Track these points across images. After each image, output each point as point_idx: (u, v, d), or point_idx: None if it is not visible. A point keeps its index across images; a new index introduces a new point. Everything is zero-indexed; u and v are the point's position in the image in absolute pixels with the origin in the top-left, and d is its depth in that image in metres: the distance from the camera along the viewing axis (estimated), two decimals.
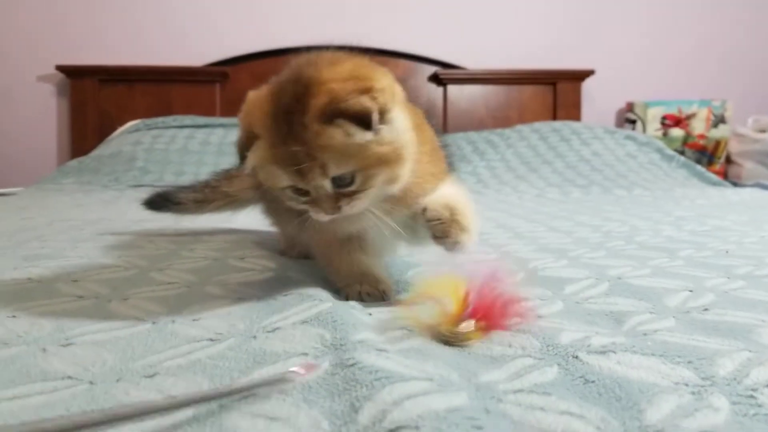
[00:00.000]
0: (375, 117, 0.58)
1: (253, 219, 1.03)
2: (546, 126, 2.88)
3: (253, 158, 0.63)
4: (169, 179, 2.26)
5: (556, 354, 0.48)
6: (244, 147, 0.63)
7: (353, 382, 0.41)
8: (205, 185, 1.12)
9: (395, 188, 0.64)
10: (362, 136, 0.58)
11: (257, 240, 1.08)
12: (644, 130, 3.09)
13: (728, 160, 3.14)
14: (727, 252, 0.97)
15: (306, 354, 0.47)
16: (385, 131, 0.60)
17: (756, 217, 1.44)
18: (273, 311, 0.60)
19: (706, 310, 0.62)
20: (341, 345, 0.49)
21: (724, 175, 3.07)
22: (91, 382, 0.42)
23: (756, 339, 0.52)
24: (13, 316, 0.57)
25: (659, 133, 3.09)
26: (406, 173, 0.64)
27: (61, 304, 0.62)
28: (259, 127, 0.61)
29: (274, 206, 0.84)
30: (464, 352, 0.49)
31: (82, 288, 0.69)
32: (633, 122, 3.15)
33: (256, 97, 0.64)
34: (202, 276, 0.77)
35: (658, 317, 0.60)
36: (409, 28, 3.08)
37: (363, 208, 0.64)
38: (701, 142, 3.11)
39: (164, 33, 2.95)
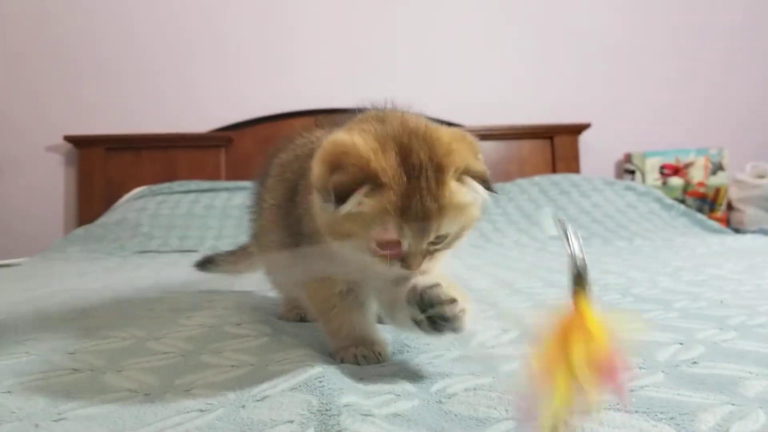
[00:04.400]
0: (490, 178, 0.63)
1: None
2: (545, 179, 2.91)
3: (367, 205, 0.59)
4: (174, 244, 2.29)
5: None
6: (347, 189, 0.58)
7: None
8: (240, 248, 1.26)
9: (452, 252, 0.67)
10: (483, 195, 0.63)
11: (256, 304, 1.09)
12: (643, 180, 3.12)
13: (730, 207, 3.16)
14: (722, 302, 0.97)
15: (292, 422, 0.48)
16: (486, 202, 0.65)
17: (754, 264, 1.45)
18: (263, 379, 0.60)
19: (695, 363, 0.62)
20: (327, 410, 0.49)
21: (727, 222, 3.08)
22: None
23: (741, 392, 0.53)
24: (9, 392, 0.58)
25: (659, 183, 3.12)
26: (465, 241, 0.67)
27: (57, 377, 0.63)
28: (387, 177, 0.59)
29: (278, 268, 0.87)
30: (451, 414, 0.50)
31: (78, 360, 0.69)
32: (632, 172, 3.19)
33: (366, 143, 0.61)
34: (198, 344, 0.77)
35: (648, 372, 0.60)
36: (410, 87, 3.15)
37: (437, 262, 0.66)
38: (701, 190, 3.13)
39: (169, 101, 3.04)
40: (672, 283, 1.20)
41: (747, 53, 3.43)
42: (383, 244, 0.61)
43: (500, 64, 3.25)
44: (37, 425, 0.49)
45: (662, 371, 0.60)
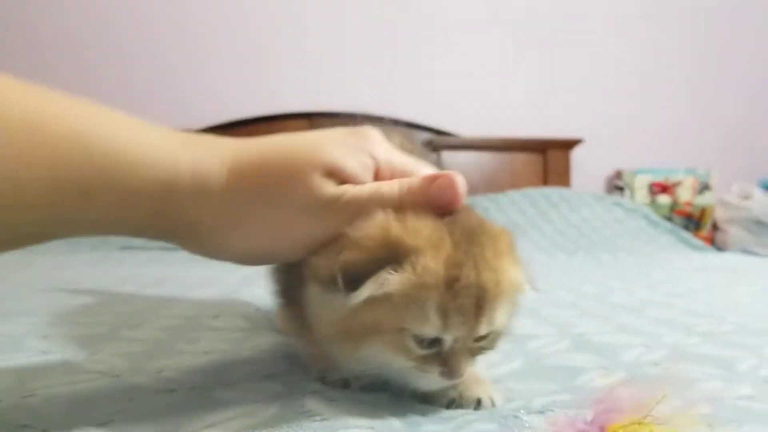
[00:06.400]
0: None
1: None
2: (536, 192, 2.93)
3: (396, 283, 0.43)
4: (157, 243, 2.28)
5: (500, 415, 0.48)
6: (361, 269, 0.43)
7: (297, 427, 0.43)
8: None
9: None
10: (529, 289, 0.50)
11: (237, 299, 1.10)
12: (632, 196, 3.15)
13: (715, 227, 3.19)
14: (694, 312, 0.99)
15: (257, 402, 0.49)
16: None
17: (731, 279, 1.47)
18: (235, 366, 0.61)
19: (656, 364, 0.64)
20: (292, 393, 0.50)
21: (712, 242, 3.11)
22: (44, 430, 0.44)
23: (694, 391, 0.54)
24: None
25: (647, 200, 3.15)
26: None
27: (29, 358, 0.64)
28: (420, 240, 0.44)
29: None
30: (415, 408, 0.50)
31: (51, 343, 0.70)
32: (621, 189, 3.22)
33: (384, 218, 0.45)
34: (174, 333, 0.78)
35: (610, 372, 0.61)
36: (405, 96, 3.18)
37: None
38: (688, 209, 3.16)
39: (164, 97, 3.04)
40: (648, 294, 1.21)
41: (736, 76, 3.48)
42: (421, 340, 0.45)
43: (496, 78, 3.28)
44: (2, 400, 0.50)
45: (625, 371, 0.62)
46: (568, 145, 3.23)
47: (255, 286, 1.27)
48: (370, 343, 0.45)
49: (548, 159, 3.22)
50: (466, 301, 0.44)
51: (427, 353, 0.45)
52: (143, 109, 2.97)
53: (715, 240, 3.15)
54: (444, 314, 0.43)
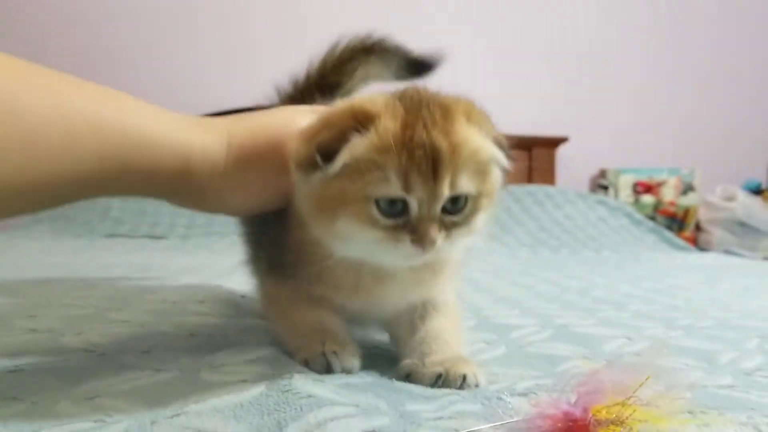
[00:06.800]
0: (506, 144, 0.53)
1: None
2: (521, 189, 2.95)
3: (360, 147, 0.47)
4: (143, 230, 2.28)
5: (483, 396, 0.49)
6: (335, 142, 0.47)
7: (284, 404, 0.43)
8: None
9: (470, 243, 0.55)
10: (498, 157, 0.52)
11: (223, 286, 1.10)
12: (616, 196, 3.17)
13: (698, 228, 3.22)
14: (674, 306, 1.00)
15: (245, 381, 0.49)
16: (505, 167, 0.54)
17: (712, 276, 1.49)
18: (220, 348, 0.61)
19: (637, 355, 0.65)
20: (280, 374, 0.51)
21: (695, 242, 3.14)
22: (33, 402, 0.44)
23: (676, 377, 0.55)
24: None
25: (631, 200, 3.17)
26: (483, 228, 0.55)
27: (16, 336, 0.64)
28: (378, 107, 0.49)
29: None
30: (400, 389, 0.51)
31: (38, 322, 0.70)
32: (606, 188, 3.24)
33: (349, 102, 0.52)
34: (159, 316, 0.78)
35: (591, 361, 0.62)
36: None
37: (451, 252, 0.54)
38: (671, 209, 3.19)
39: (155, 86, 3.02)
40: (630, 289, 1.23)
41: (723, 77, 3.51)
42: (387, 206, 0.48)
43: (481, 75, 3.28)
44: None
45: (605, 360, 0.63)
46: (553, 143, 3.24)
47: (238, 274, 1.27)
48: (342, 215, 0.49)
49: (533, 157, 3.24)
50: (423, 162, 0.47)
51: (396, 223, 0.49)
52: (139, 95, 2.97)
53: (698, 240, 3.18)
54: (404, 175, 0.47)
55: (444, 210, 0.49)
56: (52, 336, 0.65)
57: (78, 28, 2.99)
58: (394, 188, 0.47)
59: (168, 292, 0.98)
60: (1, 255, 1.50)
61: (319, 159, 0.48)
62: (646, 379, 0.38)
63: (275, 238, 0.61)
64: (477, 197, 0.51)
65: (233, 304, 0.91)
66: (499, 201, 0.56)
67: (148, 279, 1.18)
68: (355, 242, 0.51)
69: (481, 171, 0.51)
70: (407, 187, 0.47)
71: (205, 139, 0.55)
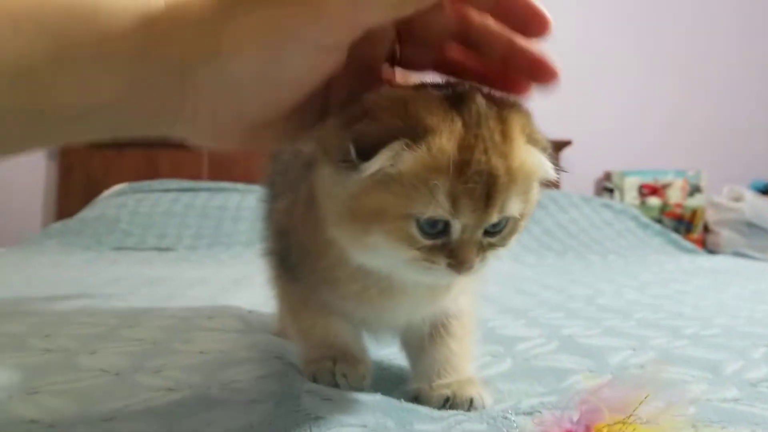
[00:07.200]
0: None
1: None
2: None
3: (408, 161, 0.41)
4: (151, 242, 2.30)
5: (489, 416, 0.50)
6: (375, 140, 0.41)
7: (293, 425, 0.45)
8: None
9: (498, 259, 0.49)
10: (548, 170, 0.47)
11: (230, 301, 1.11)
12: (622, 198, 3.17)
13: (706, 229, 3.22)
14: (680, 314, 1.01)
15: (254, 400, 0.50)
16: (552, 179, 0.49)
17: (720, 281, 1.49)
18: (230, 365, 0.63)
19: (642, 367, 0.66)
20: (290, 392, 0.52)
21: (703, 244, 3.13)
22: (51, 426, 0.45)
23: (687, 397, 0.56)
24: None
25: (637, 202, 3.17)
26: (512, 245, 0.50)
27: (32, 356, 0.65)
28: (434, 119, 0.42)
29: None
30: (407, 409, 0.52)
31: (52, 342, 0.72)
32: (611, 191, 3.24)
33: (399, 92, 0.45)
34: (170, 333, 0.80)
35: (596, 375, 0.63)
36: None
37: (481, 272, 0.49)
38: (678, 211, 3.19)
39: None
40: (636, 296, 1.24)
41: (728, 78, 3.51)
42: (428, 226, 0.43)
43: None
44: (11, 396, 0.51)
45: (611, 373, 0.64)
46: (557, 146, 3.21)
47: (244, 287, 1.28)
48: (377, 230, 0.44)
49: None
50: (477, 187, 0.42)
51: (434, 243, 0.44)
52: None
53: (706, 242, 3.18)
54: (454, 198, 0.42)
55: (486, 232, 0.45)
56: (66, 356, 0.66)
57: None
58: (441, 210, 0.42)
59: (178, 308, 0.99)
60: (14, 272, 1.52)
61: (353, 152, 0.41)
62: (646, 397, 0.39)
63: (284, 231, 0.58)
64: (519, 219, 0.47)
65: (241, 319, 0.92)
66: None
67: (158, 293, 1.19)
68: (383, 257, 0.46)
69: (529, 188, 0.47)
70: (456, 210, 0.42)
71: None
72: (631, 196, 3.18)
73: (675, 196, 3.20)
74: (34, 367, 0.61)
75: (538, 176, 0.47)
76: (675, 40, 3.47)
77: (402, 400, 0.53)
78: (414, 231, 0.43)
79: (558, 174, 0.48)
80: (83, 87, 0.37)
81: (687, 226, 3.19)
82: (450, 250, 0.44)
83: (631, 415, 0.39)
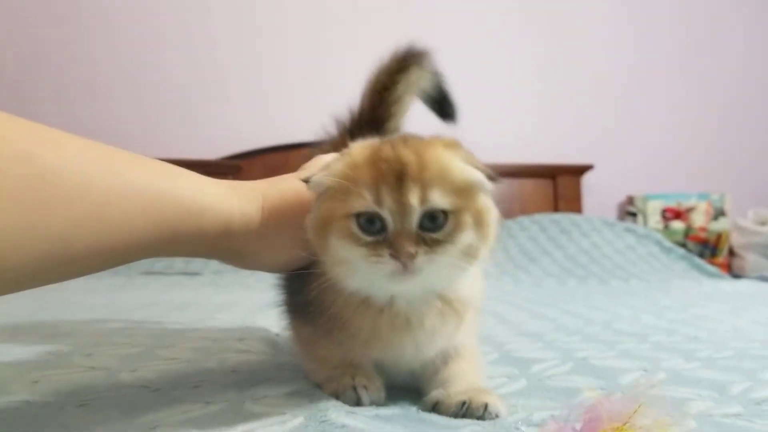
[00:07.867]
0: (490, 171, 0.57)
1: None
2: (546, 218, 2.98)
3: (340, 168, 0.55)
4: (178, 266, 2.37)
5: (502, 426, 0.53)
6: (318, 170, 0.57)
7: None
8: None
9: (468, 265, 0.56)
10: (481, 180, 0.56)
11: (259, 322, 1.16)
12: (645, 222, 3.17)
13: (732, 253, 3.20)
14: (696, 338, 1.03)
15: (284, 413, 0.55)
16: (488, 189, 0.57)
17: (739, 306, 1.50)
18: (261, 383, 0.67)
19: (652, 387, 0.69)
20: (317, 406, 0.56)
21: (729, 268, 3.11)
22: None
23: (684, 410, 0.59)
24: (35, 382, 0.65)
25: (660, 226, 3.17)
26: (482, 254, 0.57)
27: (77, 373, 0.70)
28: (364, 146, 0.57)
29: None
30: (427, 420, 0.56)
31: (95, 361, 0.77)
32: (634, 215, 3.24)
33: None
34: (203, 354, 0.84)
35: (607, 393, 0.66)
36: (416, 122, 3.23)
37: (436, 273, 0.54)
38: (702, 234, 3.18)
39: (180, 127, 3.12)
40: (654, 320, 1.26)
41: (750, 100, 3.52)
42: (366, 223, 0.53)
43: (505, 104, 3.33)
44: (63, 407, 0.56)
45: (621, 392, 0.66)
46: (578, 171, 3.27)
47: (270, 311, 1.33)
48: (330, 233, 0.55)
49: (558, 185, 3.27)
50: (389, 174, 0.52)
51: (376, 239, 0.53)
52: (166, 139, 3.06)
53: (731, 266, 3.15)
54: (374, 189, 0.52)
55: (424, 228, 0.53)
56: (109, 373, 0.71)
57: (102, 76, 3.12)
58: (367, 202, 0.52)
59: (209, 330, 1.04)
60: (48, 297, 1.58)
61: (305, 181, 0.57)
62: (639, 406, 0.43)
63: (299, 282, 0.65)
64: (457, 213, 0.53)
65: (270, 342, 0.97)
66: (499, 227, 0.58)
67: (189, 316, 1.24)
68: (346, 263, 0.55)
69: (459, 189, 0.54)
70: (378, 200, 0.52)
71: (243, 204, 0.61)
72: (655, 220, 3.18)
73: (699, 219, 3.19)
74: (80, 382, 0.66)
75: (463, 176, 0.55)
76: (696, 64, 3.48)
77: (419, 411, 0.57)
78: (355, 229, 0.53)
79: (492, 184, 0.57)
80: (177, 252, 0.59)
81: (712, 250, 3.17)
82: (390, 242, 0.52)
83: (626, 424, 0.42)
